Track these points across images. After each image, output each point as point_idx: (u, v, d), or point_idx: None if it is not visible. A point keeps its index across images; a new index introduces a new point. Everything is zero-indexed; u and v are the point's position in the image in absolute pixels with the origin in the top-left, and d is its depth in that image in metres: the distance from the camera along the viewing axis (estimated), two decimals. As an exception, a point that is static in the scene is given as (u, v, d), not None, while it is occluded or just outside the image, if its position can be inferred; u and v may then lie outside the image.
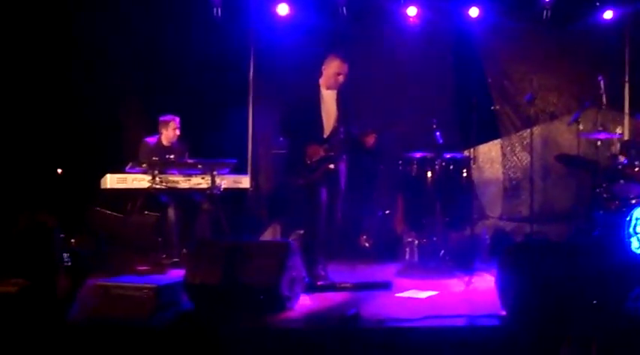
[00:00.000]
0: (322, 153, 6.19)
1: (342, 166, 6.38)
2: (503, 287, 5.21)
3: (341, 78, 6.27)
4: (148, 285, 5.18)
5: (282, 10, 8.54)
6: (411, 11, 8.55)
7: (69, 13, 8.18)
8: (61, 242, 5.45)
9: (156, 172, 7.13)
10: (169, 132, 7.75)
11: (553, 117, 8.97)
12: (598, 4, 8.54)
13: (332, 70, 6.25)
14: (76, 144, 8.29)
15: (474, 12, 8.59)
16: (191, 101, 8.42)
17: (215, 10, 8.47)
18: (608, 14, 8.58)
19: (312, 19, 8.53)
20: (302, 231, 6.78)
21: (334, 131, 6.27)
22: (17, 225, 6.00)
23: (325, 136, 6.26)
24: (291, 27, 8.58)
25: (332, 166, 6.24)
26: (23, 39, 8.04)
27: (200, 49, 8.46)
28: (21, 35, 8.03)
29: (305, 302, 5.59)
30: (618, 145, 7.89)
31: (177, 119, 7.79)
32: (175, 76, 8.45)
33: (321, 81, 6.32)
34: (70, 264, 5.38)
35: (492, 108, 8.44)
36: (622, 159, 7.62)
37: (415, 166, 7.40)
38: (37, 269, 4.79)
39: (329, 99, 6.31)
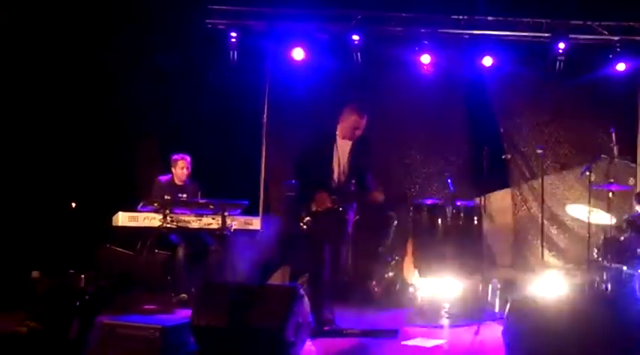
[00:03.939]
0: (329, 204, 6.15)
1: (351, 214, 6.34)
2: (510, 338, 5.16)
3: (358, 132, 6.25)
4: (155, 325, 5.15)
5: (298, 54, 8.66)
6: (425, 59, 8.63)
7: (91, 54, 8.35)
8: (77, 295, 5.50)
9: (167, 211, 7.18)
10: (178, 170, 7.80)
11: (564, 167, 8.97)
12: (611, 56, 8.60)
13: (349, 123, 6.22)
14: (90, 180, 8.38)
15: (487, 61, 8.66)
16: (206, 141, 8.51)
17: (231, 53, 8.60)
18: (620, 66, 8.64)
19: (326, 64, 8.64)
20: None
21: (345, 181, 6.25)
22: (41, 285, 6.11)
23: (334, 185, 6.24)
24: (306, 71, 8.69)
25: (339, 214, 6.19)
26: (44, 74, 8.20)
27: (216, 90, 8.58)
28: (42, 71, 8.18)
29: (310, 349, 5.56)
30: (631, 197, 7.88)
31: (188, 158, 7.83)
32: (191, 116, 8.56)
33: (338, 130, 6.30)
34: (79, 304, 5.41)
35: (503, 157, 8.46)
36: (634, 211, 7.59)
37: (426, 213, 7.40)
38: (51, 317, 4.84)
39: (343, 149, 6.28)
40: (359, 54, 8.60)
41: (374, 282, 7.93)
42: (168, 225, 7.20)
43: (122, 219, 7.24)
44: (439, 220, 7.28)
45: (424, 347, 5.72)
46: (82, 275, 7.08)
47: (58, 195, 8.23)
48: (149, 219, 7.25)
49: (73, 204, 8.41)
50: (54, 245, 7.75)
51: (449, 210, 7.22)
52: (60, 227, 7.91)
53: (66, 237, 7.86)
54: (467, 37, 8.72)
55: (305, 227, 6.12)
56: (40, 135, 8.25)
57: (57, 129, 8.29)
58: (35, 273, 7.31)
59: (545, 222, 8.21)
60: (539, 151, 7.98)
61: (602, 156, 7.85)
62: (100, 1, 8.37)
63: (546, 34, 8.60)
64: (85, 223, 8.03)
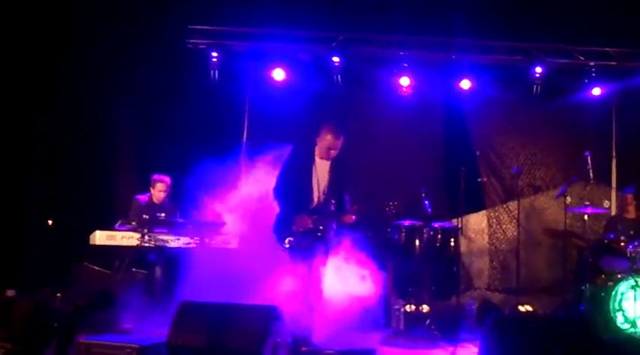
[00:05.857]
0: (310, 225, 6.20)
1: (331, 234, 6.39)
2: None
3: (333, 152, 6.31)
4: (132, 345, 5.15)
5: (278, 75, 8.70)
6: (404, 81, 8.70)
7: (70, 71, 8.34)
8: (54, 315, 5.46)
9: (145, 230, 7.16)
10: (158, 191, 7.81)
11: (540, 190, 9.07)
12: (586, 81, 8.74)
13: (325, 143, 6.29)
14: (67, 199, 8.33)
15: (465, 84, 8.75)
16: (184, 161, 8.49)
17: (212, 73, 8.62)
18: (596, 91, 8.79)
19: (306, 85, 8.70)
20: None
21: (324, 202, 6.29)
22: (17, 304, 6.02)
23: (314, 206, 6.27)
24: (286, 92, 8.73)
25: (320, 234, 6.25)
26: (22, 90, 8.18)
27: (196, 109, 8.58)
28: (19, 86, 8.16)
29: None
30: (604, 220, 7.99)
31: (168, 179, 7.85)
32: (170, 135, 8.55)
33: (316, 150, 6.36)
34: (56, 325, 5.37)
35: (480, 179, 8.54)
36: (608, 233, 7.68)
37: (403, 234, 7.44)
38: (28, 338, 4.80)
39: (322, 169, 6.33)
40: (339, 76, 8.66)
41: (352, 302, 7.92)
42: (146, 244, 7.17)
43: (100, 237, 7.21)
44: (416, 241, 7.34)
45: (401, 368, 5.74)
46: (59, 294, 7.03)
47: (34, 213, 8.16)
48: (127, 237, 7.22)
49: (50, 222, 8.35)
50: (30, 263, 7.67)
51: (426, 231, 7.28)
52: (36, 245, 7.84)
53: (42, 255, 7.78)
54: (445, 59, 8.81)
55: (288, 246, 6.14)
56: (16, 151, 8.21)
57: (34, 146, 8.25)
58: (10, 292, 7.24)
59: (521, 243, 8.27)
60: (515, 173, 8.07)
61: (578, 178, 7.96)
62: (81, 20, 8.38)
63: (523, 58, 8.72)
64: (62, 241, 7.97)
